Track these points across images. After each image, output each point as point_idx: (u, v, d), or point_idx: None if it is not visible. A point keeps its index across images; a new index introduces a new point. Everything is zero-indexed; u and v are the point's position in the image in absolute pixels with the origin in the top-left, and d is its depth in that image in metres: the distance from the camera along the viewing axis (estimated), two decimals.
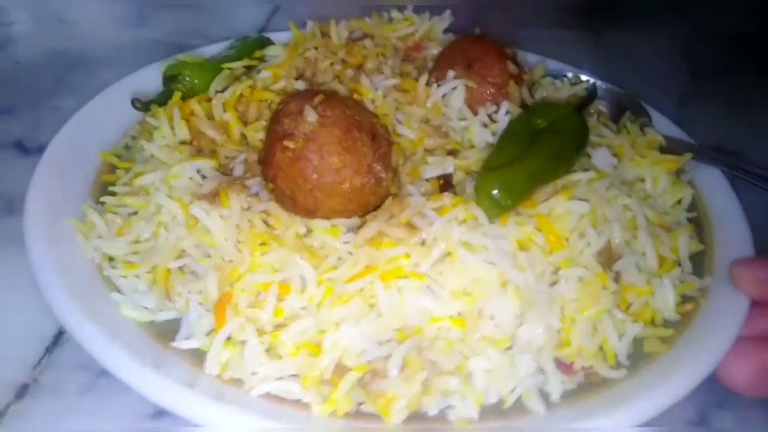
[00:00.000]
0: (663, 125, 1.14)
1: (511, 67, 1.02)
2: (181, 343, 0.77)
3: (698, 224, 1.01)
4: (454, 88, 1.00)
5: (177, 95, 0.97)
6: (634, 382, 0.78)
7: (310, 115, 0.78)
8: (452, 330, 0.76)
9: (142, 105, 0.97)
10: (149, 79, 1.09)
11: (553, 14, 1.47)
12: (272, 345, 0.75)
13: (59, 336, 0.86)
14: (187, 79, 1.01)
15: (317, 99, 0.80)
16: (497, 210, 0.82)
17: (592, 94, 1.05)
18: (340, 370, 0.73)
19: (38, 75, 1.32)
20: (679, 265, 0.92)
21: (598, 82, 1.18)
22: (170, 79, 1.02)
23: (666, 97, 1.32)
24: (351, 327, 0.73)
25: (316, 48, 1.03)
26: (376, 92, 0.96)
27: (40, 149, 0.98)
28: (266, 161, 0.82)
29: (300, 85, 0.94)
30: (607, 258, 0.86)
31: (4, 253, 0.94)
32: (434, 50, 1.14)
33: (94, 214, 0.88)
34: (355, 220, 0.84)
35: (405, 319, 0.76)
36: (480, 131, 0.98)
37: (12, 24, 1.52)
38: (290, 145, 0.78)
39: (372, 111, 0.92)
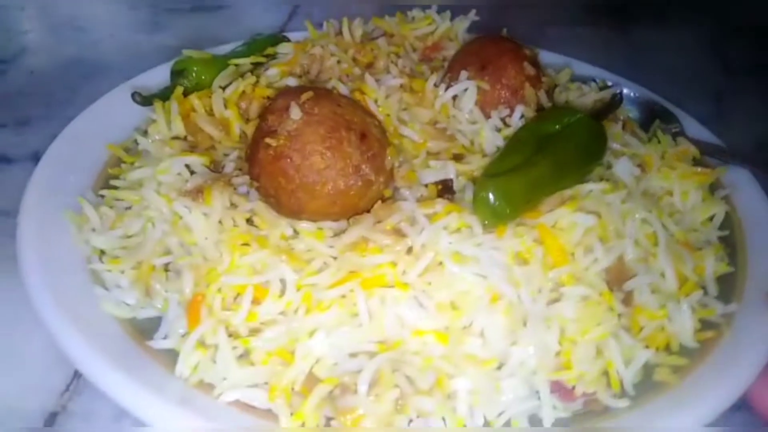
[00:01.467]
0: (700, 133, 1.06)
1: (528, 69, 0.96)
2: (156, 343, 0.74)
3: (731, 244, 0.92)
4: (465, 90, 0.95)
5: (179, 90, 0.96)
6: (638, 415, 0.71)
7: (295, 113, 0.75)
8: (435, 345, 0.70)
9: (143, 99, 0.96)
10: (162, 76, 1.08)
11: (577, 12, 1.39)
12: (247, 350, 0.71)
13: None
14: (194, 74, 0.99)
15: (305, 96, 0.76)
16: (494, 219, 0.76)
17: (615, 99, 0.97)
18: (312, 381, 0.68)
19: (53, 85, 1.30)
20: (703, 288, 0.84)
21: (629, 87, 1.10)
22: (177, 74, 1.00)
23: (700, 95, 1.23)
24: (324, 336, 0.69)
25: (322, 46, 0.99)
26: (379, 92, 0.92)
27: None
28: (251, 159, 0.79)
29: (291, 82, 0.90)
30: (618, 276, 0.79)
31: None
32: (452, 50, 1.09)
33: (88, 206, 0.87)
34: (343, 224, 0.79)
35: (384, 331, 0.71)
36: (491, 136, 0.92)
37: (26, 33, 1.50)
38: (272, 142, 0.74)
39: (373, 111, 0.87)
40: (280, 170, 0.75)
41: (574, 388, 0.73)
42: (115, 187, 0.91)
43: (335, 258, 0.76)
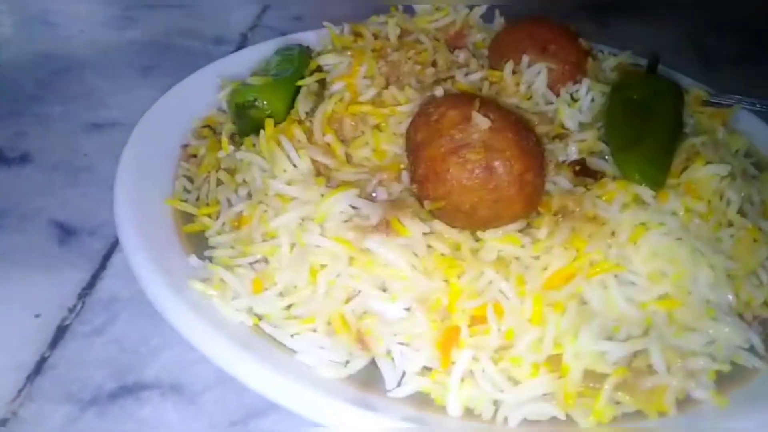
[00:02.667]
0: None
1: (585, 44, 1.03)
2: (399, 391, 0.69)
3: (758, 167, 1.08)
4: (538, 73, 0.98)
5: (269, 123, 0.86)
6: None
7: (483, 122, 0.73)
8: (660, 313, 0.76)
9: (237, 139, 0.85)
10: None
11: (556, 6, 1.49)
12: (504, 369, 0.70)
13: (42, 363, 0.77)
14: (265, 104, 0.90)
15: (477, 103, 0.75)
16: (655, 186, 0.83)
17: (656, 56, 1.08)
18: (588, 378, 0.70)
19: (21, 80, 1.23)
20: None
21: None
22: (242, 107, 0.90)
23: None
24: (588, 331, 0.70)
25: (396, 50, 0.95)
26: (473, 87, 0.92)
27: (23, 159, 0.95)
28: (432, 178, 0.75)
29: (439, 91, 0.85)
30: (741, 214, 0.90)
31: None
32: (478, 36, 1.11)
33: (224, 272, 0.77)
34: (520, 224, 0.80)
35: (619, 312, 0.74)
36: (569, 112, 0.97)
37: None
38: (471, 156, 0.72)
39: None
40: (481, 183, 0.73)
41: (741, 316, 0.83)
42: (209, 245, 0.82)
43: (537, 258, 0.77)
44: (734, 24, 1.67)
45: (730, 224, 0.86)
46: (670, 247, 0.77)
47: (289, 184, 0.79)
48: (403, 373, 0.71)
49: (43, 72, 1.26)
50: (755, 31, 1.65)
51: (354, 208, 0.77)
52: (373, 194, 0.81)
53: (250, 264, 0.80)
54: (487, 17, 1.16)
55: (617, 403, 0.69)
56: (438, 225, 0.77)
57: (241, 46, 1.45)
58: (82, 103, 1.23)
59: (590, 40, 1.08)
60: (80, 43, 1.39)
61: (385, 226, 0.74)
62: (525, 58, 1.00)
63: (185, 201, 0.91)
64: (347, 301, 0.74)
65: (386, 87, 0.92)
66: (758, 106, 1.20)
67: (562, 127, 0.95)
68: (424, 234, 0.74)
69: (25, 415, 0.72)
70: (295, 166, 0.81)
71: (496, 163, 0.73)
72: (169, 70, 1.31)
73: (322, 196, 0.77)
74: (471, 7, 1.13)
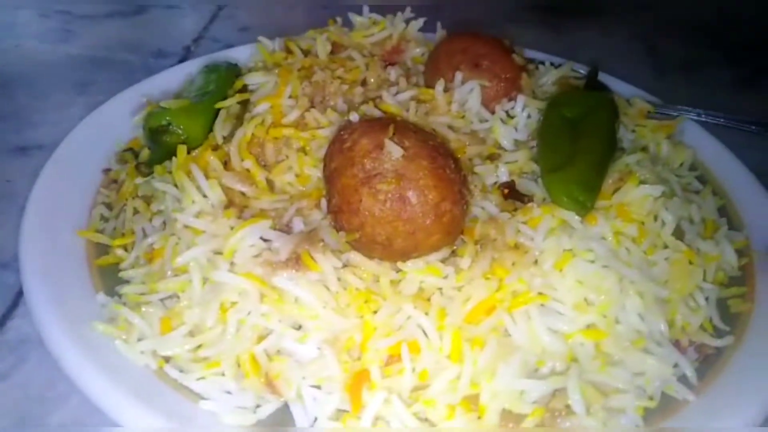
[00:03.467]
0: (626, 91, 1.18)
1: (518, 60, 0.99)
2: None
3: (702, 181, 1.06)
4: (471, 90, 0.95)
5: (182, 150, 0.82)
6: (743, 349, 0.80)
7: (395, 150, 0.69)
8: (586, 344, 0.73)
9: (144, 168, 0.81)
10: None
11: (510, 11, 1.46)
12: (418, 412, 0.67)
13: None
14: (180, 129, 0.86)
15: (391, 129, 0.71)
16: (582, 210, 0.79)
17: (595, 73, 1.05)
18: (508, 418, 0.66)
19: None
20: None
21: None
22: (156, 132, 0.86)
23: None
24: (506, 371, 0.67)
25: (322, 69, 0.92)
26: (399, 108, 0.88)
27: None
28: (345, 209, 0.72)
29: (355, 117, 0.82)
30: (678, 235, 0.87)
31: None
32: (416, 50, 1.08)
33: (128, 312, 0.73)
34: (444, 252, 0.77)
35: (542, 345, 0.71)
36: (504, 130, 0.94)
37: None
38: (383, 187, 0.69)
39: None
40: (394, 214, 0.70)
41: (678, 341, 0.81)
42: (122, 280, 0.78)
43: (458, 289, 0.73)
44: (686, 25, 1.65)
45: (666, 246, 0.83)
46: (596, 275, 0.74)
47: (198, 216, 0.75)
48: (316, 418, 0.67)
49: None
50: (708, 33, 1.63)
51: (266, 240, 0.73)
52: (290, 225, 0.77)
53: (161, 300, 0.76)
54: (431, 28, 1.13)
55: None
56: (356, 257, 0.74)
57: (183, 60, 1.41)
58: (9, 124, 1.19)
59: (540, 44, 1.05)
60: (15, 59, 1.35)
61: (295, 261, 0.70)
62: (458, 75, 0.97)
63: (101, 230, 0.87)
64: (259, 340, 0.71)
65: (308, 109, 0.88)
66: (703, 116, 1.18)
67: (499, 146, 0.93)
68: (340, 268, 0.71)
69: None
70: (205, 196, 0.77)
71: (410, 194, 0.69)
72: (105, 86, 1.27)
73: (232, 228, 0.73)
74: (408, 21, 1.09)
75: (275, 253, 0.71)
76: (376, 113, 0.84)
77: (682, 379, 0.75)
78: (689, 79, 1.43)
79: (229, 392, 0.68)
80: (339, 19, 1.14)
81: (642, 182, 0.84)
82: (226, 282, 0.71)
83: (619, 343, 0.72)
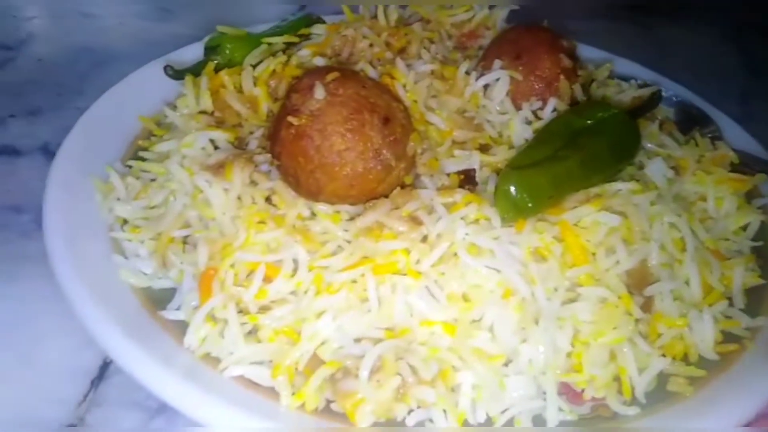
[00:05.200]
0: (738, 139, 1.01)
1: (565, 61, 0.93)
2: (168, 314, 0.75)
3: (763, 255, 0.88)
4: (498, 79, 0.93)
5: (210, 65, 0.96)
6: (646, 424, 0.68)
7: (319, 92, 0.74)
8: (442, 337, 0.69)
9: (175, 73, 0.97)
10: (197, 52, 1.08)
11: (598, 7, 1.33)
12: (255, 327, 0.72)
13: (105, 368, 0.77)
14: (227, 50, 0.99)
15: (330, 76, 0.76)
16: (515, 213, 0.75)
17: (654, 97, 0.94)
18: (317, 363, 0.68)
19: (62, 74, 1.24)
20: (729, 299, 0.80)
21: (668, 88, 1.06)
22: (210, 50, 1.01)
23: (725, 95, 1.17)
24: (331, 319, 0.68)
25: (355, 28, 0.98)
26: (408, 77, 0.90)
27: None
28: (273, 137, 0.79)
29: (320, 62, 0.89)
30: (639, 280, 0.76)
31: (36, 275, 0.83)
32: (489, 39, 1.07)
33: (114, 175, 0.88)
34: (359, 208, 0.79)
35: (393, 319, 0.70)
36: (520, 128, 0.90)
37: (31, 19, 1.42)
38: (294, 121, 0.74)
39: (400, 96, 0.86)
40: (300, 149, 0.74)
41: (583, 391, 0.72)
42: (143, 159, 0.92)
43: (349, 242, 0.76)
44: None
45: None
46: (478, 274, 0.70)
47: (181, 116, 0.88)
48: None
49: (84, 65, 1.27)
50: None
51: (216, 148, 0.83)
52: (248, 144, 0.86)
53: (151, 180, 0.91)
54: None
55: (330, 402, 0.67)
56: (280, 185, 0.80)
57: None
58: None
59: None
60: (119, 36, 1.39)
61: (218, 168, 0.79)
62: (497, 63, 0.95)
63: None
64: (184, 227, 0.82)
65: (330, 58, 0.95)
66: None
67: (503, 138, 0.90)
68: (250, 185, 0.78)
69: (92, 421, 0.71)
70: (198, 104, 0.90)
71: (315, 134, 0.73)
72: None
73: (195, 131, 0.85)
74: (491, 7, 1.08)
75: (208, 157, 0.81)
76: (371, 72, 0.88)
77: None
78: None
79: (138, 256, 0.81)
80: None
81: (604, 209, 0.75)
82: (172, 171, 0.83)
83: (466, 349, 0.68)
